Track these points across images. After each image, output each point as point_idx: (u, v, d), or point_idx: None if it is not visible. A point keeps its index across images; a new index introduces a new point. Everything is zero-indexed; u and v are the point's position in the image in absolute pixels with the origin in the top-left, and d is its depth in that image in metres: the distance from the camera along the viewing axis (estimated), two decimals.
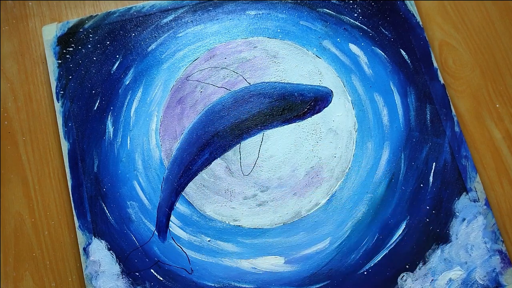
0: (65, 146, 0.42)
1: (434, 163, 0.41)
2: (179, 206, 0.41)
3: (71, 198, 0.41)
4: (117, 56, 0.44)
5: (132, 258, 0.40)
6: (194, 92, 0.43)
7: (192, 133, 0.42)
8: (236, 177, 0.41)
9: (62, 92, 0.43)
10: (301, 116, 0.42)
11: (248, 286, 0.39)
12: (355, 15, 0.44)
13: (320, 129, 0.42)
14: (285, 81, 0.43)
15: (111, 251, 0.40)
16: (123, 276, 0.39)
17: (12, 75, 0.45)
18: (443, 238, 0.39)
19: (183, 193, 0.41)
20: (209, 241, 0.40)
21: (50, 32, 0.44)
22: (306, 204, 0.41)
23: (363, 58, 0.43)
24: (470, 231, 0.39)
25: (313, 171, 0.41)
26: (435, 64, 0.43)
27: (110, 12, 0.44)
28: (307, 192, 0.41)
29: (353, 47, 0.44)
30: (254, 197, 0.41)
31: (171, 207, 0.41)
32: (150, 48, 0.44)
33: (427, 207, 0.40)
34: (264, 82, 0.43)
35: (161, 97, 0.43)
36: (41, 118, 0.44)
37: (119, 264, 0.39)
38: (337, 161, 0.41)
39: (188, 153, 0.42)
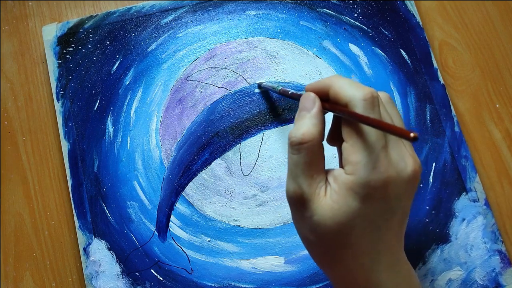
0: (65, 146, 0.42)
1: (434, 163, 0.41)
2: (179, 206, 0.41)
3: (71, 198, 0.41)
4: (117, 56, 0.44)
5: (132, 258, 0.40)
6: (194, 92, 0.43)
7: (192, 133, 0.42)
8: (236, 177, 0.41)
9: (62, 92, 0.43)
10: None
11: (248, 286, 0.39)
12: (355, 15, 0.44)
13: None
14: (285, 81, 0.43)
15: (111, 251, 0.40)
16: (123, 276, 0.39)
17: (12, 75, 0.45)
18: (443, 238, 0.40)
19: (183, 193, 0.41)
20: (209, 241, 0.40)
21: (50, 32, 0.44)
22: None
23: (363, 58, 0.43)
24: (469, 231, 0.40)
25: None
26: (435, 64, 0.43)
27: (110, 12, 0.44)
28: None
29: (353, 47, 0.44)
30: (254, 197, 0.41)
31: (171, 207, 0.41)
32: (150, 48, 0.44)
33: (427, 207, 0.40)
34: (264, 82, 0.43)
35: (161, 97, 0.43)
36: (41, 118, 0.44)
37: (119, 264, 0.40)
38: (337, 161, 0.41)
39: (188, 153, 0.42)
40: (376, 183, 0.26)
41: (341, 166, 0.29)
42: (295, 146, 0.27)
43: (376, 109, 0.27)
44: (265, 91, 0.42)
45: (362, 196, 0.26)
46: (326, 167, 0.29)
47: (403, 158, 0.27)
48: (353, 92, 0.27)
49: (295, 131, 0.28)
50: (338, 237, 0.27)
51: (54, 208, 0.42)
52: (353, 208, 0.26)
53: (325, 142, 0.29)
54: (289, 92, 0.35)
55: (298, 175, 0.27)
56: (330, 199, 0.27)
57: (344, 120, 0.27)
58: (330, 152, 0.41)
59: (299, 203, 0.28)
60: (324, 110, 0.28)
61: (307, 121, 0.28)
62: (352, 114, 0.26)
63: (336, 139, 0.31)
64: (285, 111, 0.42)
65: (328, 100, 0.29)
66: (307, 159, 0.27)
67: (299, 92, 0.33)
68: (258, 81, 0.43)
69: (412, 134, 0.21)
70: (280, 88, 0.37)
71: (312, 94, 0.29)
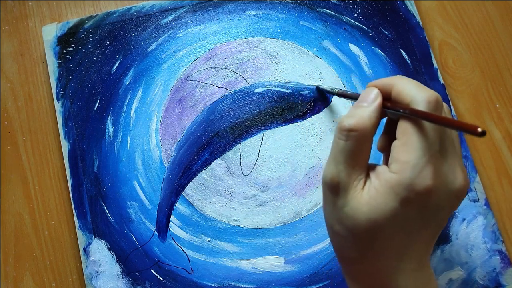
0: (65, 146, 0.42)
1: None
2: (179, 206, 0.41)
3: (71, 198, 0.41)
4: (117, 56, 0.44)
5: (132, 258, 0.40)
6: (194, 92, 0.43)
7: (192, 133, 0.42)
8: (236, 177, 0.41)
9: (62, 92, 0.43)
10: (301, 116, 0.42)
11: (248, 286, 0.39)
12: (355, 15, 0.44)
13: (320, 129, 0.42)
14: (285, 81, 0.43)
15: (111, 251, 0.40)
16: (123, 276, 0.39)
17: (12, 75, 0.45)
18: (443, 238, 0.39)
19: (183, 193, 0.41)
20: (209, 241, 0.40)
21: (50, 32, 0.44)
22: (306, 204, 0.41)
23: (363, 58, 0.43)
24: (470, 231, 0.39)
25: (313, 171, 0.41)
26: (435, 64, 0.43)
27: (110, 12, 0.44)
28: (307, 192, 0.41)
29: (353, 47, 0.44)
30: (254, 197, 0.41)
31: (171, 207, 0.41)
32: (150, 48, 0.44)
33: None
34: (264, 82, 0.43)
35: (161, 97, 0.43)
36: (41, 118, 0.44)
37: (119, 264, 0.39)
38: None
39: (188, 153, 0.42)
40: (420, 187, 0.25)
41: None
42: (344, 132, 0.26)
43: (438, 113, 0.26)
44: (321, 92, 0.43)
45: (402, 197, 0.25)
46: None
47: (454, 171, 0.26)
48: (417, 92, 0.26)
49: (348, 118, 0.27)
50: (367, 234, 0.26)
51: (54, 208, 0.42)
52: (390, 208, 0.25)
53: None
54: (349, 93, 0.35)
55: (340, 162, 0.27)
56: (368, 194, 0.26)
57: (401, 118, 0.26)
58: None
59: (333, 190, 0.27)
60: (384, 108, 0.28)
61: (363, 111, 0.27)
62: (416, 111, 0.25)
63: (387, 144, 0.30)
64: (285, 111, 0.42)
65: (389, 100, 0.28)
66: (353, 148, 0.26)
67: (358, 93, 0.33)
68: (315, 84, 0.43)
69: (479, 129, 0.20)
70: (338, 90, 0.38)
71: (376, 89, 0.28)
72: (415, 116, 0.25)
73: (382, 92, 0.28)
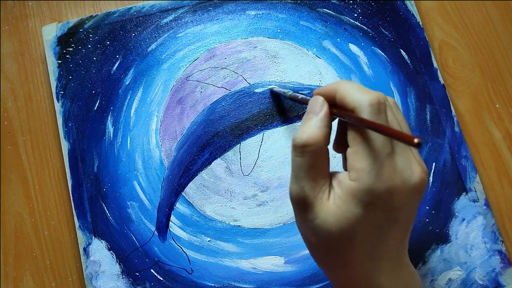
0: (65, 146, 0.42)
1: (434, 163, 0.41)
2: (179, 206, 0.41)
3: (71, 198, 0.41)
4: (117, 56, 0.44)
5: (132, 258, 0.40)
6: (194, 92, 0.43)
7: (192, 133, 0.42)
8: (236, 177, 0.41)
9: (62, 92, 0.43)
10: (301, 116, 0.42)
11: (248, 286, 0.39)
12: (355, 15, 0.44)
13: None
14: (285, 81, 0.43)
15: (111, 251, 0.40)
16: (123, 276, 0.39)
17: (12, 75, 0.45)
18: (443, 238, 0.40)
19: (183, 193, 0.41)
20: (209, 241, 0.40)
21: (50, 32, 0.44)
22: None
23: (363, 58, 0.43)
24: (469, 231, 0.40)
25: None
26: (435, 64, 0.43)
27: (110, 12, 0.44)
28: None
29: (353, 47, 0.44)
30: (254, 197, 0.41)
31: (171, 207, 0.41)
32: (150, 48, 0.44)
33: (427, 207, 0.40)
34: (264, 82, 0.43)
35: (161, 97, 0.43)
36: (41, 118, 0.44)
37: (119, 264, 0.40)
38: (337, 161, 0.41)
39: (188, 153, 0.42)
40: (379, 191, 0.25)
41: (345, 169, 0.28)
42: (298, 149, 0.27)
43: (382, 115, 0.26)
44: (275, 94, 0.42)
45: (365, 203, 0.25)
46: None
47: (410, 166, 0.26)
48: (359, 96, 0.26)
49: (300, 134, 0.27)
50: (340, 242, 0.27)
51: (54, 208, 0.42)
52: (356, 215, 0.26)
53: (330, 147, 0.29)
54: (299, 97, 0.35)
55: (301, 177, 0.27)
56: (333, 204, 0.26)
57: (350, 125, 0.27)
58: (330, 152, 0.41)
59: (301, 206, 0.27)
60: (332, 115, 0.28)
61: (312, 124, 0.27)
62: (357, 119, 0.25)
63: (342, 145, 0.30)
64: (285, 111, 0.42)
65: (336, 105, 0.28)
66: (310, 162, 0.27)
67: (308, 97, 0.33)
68: (270, 87, 0.43)
69: (415, 140, 0.20)
70: (291, 93, 0.37)
71: (321, 98, 0.28)
72: (358, 124, 0.26)
73: (329, 99, 0.28)
